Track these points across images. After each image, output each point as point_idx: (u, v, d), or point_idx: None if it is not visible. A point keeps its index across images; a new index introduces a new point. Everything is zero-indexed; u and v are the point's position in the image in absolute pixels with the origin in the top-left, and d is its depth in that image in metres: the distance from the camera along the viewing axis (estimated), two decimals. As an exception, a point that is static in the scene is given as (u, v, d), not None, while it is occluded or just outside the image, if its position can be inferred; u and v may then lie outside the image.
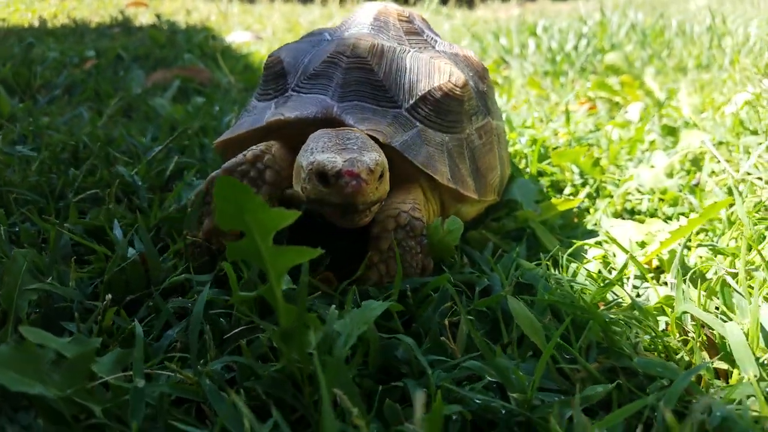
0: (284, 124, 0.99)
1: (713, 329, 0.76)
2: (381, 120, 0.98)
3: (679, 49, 2.97)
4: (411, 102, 1.02)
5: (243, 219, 0.53)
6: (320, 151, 0.83)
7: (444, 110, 1.04)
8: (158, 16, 3.91)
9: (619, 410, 0.60)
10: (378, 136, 0.94)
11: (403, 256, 0.89)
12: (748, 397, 0.68)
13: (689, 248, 1.12)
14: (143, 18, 4.67)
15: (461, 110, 1.07)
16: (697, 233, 1.20)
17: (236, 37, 3.91)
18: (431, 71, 1.04)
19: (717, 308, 0.85)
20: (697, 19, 3.67)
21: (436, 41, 1.17)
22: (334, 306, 0.67)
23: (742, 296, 0.76)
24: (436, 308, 0.82)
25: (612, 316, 0.79)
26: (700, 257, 1.08)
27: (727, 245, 1.07)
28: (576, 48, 2.87)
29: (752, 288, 0.86)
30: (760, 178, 1.38)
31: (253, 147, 0.97)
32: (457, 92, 1.05)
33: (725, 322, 0.78)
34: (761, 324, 0.75)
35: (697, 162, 1.46)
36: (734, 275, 0.88)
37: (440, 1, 7.00)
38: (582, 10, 3.18)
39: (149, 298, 0.84)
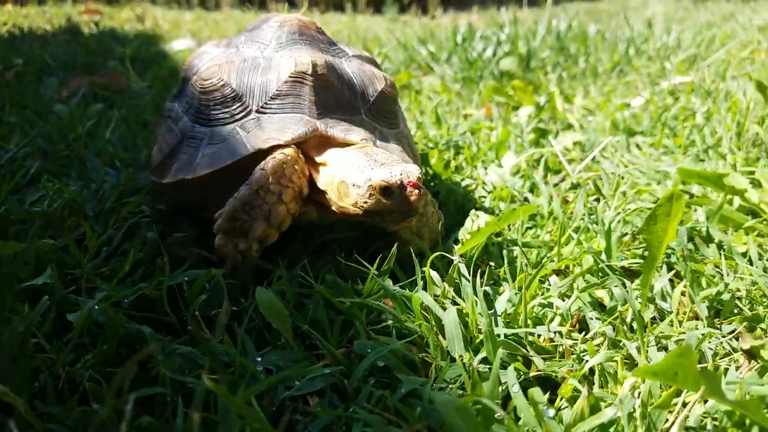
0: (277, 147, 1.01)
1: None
2: (358, 128, 1.07)
3: (597, 54, 3.05)
4: (366, 107, 1.12)
5: None
6: (370, 169, 0.91)
7: (388, 110, 1.17)
8: (96, 24, 3.93)
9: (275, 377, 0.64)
10: (368, 143, 1.04)
11: (430, 220, 1.06)
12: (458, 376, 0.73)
13: (516, 243, 1.17)
14: (94, 27, 4.70)
15: (396, 108, 1.21)
16: (531, 227, 1.25)
17: (177, 45, 3.94)
18: (371, 78, 1.15)
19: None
20: (629, 25, 3.74)
21: (340, 46, 1.25)
22: (47, 297, 0.71)
23: (468, 282, 0.80)
24: (203, 301, 0.86)
25: (355, 303, 0.83)
26: (524, 250, 1.13)
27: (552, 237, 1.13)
28: (495, 54, 2.93)
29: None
30: (603, 172, 1.44)
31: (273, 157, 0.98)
32: (394, 93, 1.18)
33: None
34: (493, 308, 0.80)
35: (541, 161, 1.51)
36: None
37: (399, 9, 7.09)
38: (515, 16, 3.25)
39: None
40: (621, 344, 0.78)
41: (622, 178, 1.51)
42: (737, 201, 1.30)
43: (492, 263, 1.03)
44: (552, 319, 0.87)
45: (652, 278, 0.88)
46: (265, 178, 0.95)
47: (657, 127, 1.79)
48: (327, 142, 1.04)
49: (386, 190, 0.89)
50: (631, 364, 0.77)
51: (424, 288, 0.89)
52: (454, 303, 0.82)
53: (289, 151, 0.99)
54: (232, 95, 1.07)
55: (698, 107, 1.99)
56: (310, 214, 1.05)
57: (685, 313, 0.93)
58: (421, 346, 0.81)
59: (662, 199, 0.83)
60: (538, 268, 0.87)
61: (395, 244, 0.95)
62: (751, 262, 1.05)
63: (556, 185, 1.52)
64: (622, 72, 2.84)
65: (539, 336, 0.84)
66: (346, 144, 1.04)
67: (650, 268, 0.87)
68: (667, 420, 0.63)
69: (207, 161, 1.04)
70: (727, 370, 0.73)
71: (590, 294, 0.93)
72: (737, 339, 0.81)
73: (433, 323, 0.80)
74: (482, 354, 0.72)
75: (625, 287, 0.94)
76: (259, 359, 0.76)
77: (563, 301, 0.88)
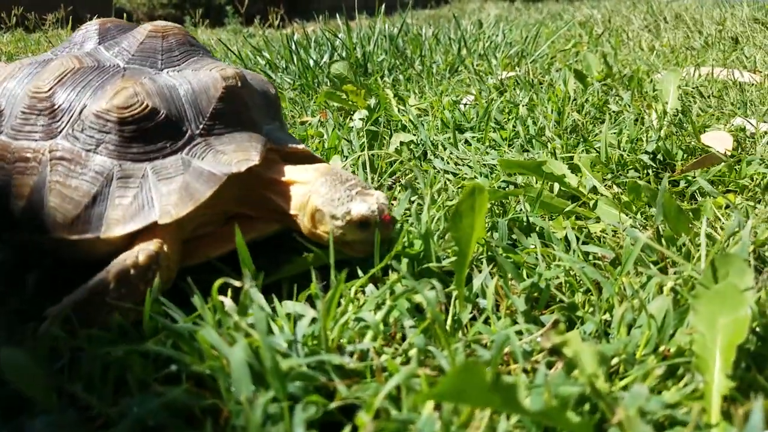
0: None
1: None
2: (286, 136, 1.08)
3: (433, 56, 3.09)
4: (273, 114, 1.11)
5: None
6: (348, 200, 0.92)
7: (282, 114, 1.19)
8: None
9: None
10: (307, 151, 1.07)
11: None
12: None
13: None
14: None
15: None
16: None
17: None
18: (264, 82, 1.13)
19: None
20: (459, 27, 3.86)
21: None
22: None
23: (260, 309, 0.71)
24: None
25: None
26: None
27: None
28: (331, 59, 2.88)
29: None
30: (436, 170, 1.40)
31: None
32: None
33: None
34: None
35: (370, 164, 1.46)
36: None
37: (242, 21, 6.91)
38: (347, 25, 3.21)
39: None
40: (431, 354, 0.72)
41: (454, 175, 1.49)
42: (558, 187, 1.31)
43: (307, 280, 0.94)
44: (364, 335, 0.79)
45: (464, 276, 0.83)
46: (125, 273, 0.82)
47: (484, 122, 1.80)
48: (270, 155, 1.02)
49: (364, 224, 0.91)
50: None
51: (219, 320, 0.77)
52: (248, 335, 0.71)
53: (156, 246, 0.85)
54: (164, 121, 0.94)
55: (521, 99, 2.04)
56: (270, 227, 1.03)
57: (507, 308, 0.89)
58: (216, 389, 0.69)
59: (464, 194, 0.78)
60: (339, 281, 0.78)
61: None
62: (569, 248, 1.05)
63: (389, 188, 1.48)
64: (457, 71, 2.89)
65: (352, 355, 0.76)
66: (291, 154, 1.05)
67: (462, 266, 0.83)
68: (473, 437, 0.57)
69: (181, 198, 0.89)
70: (535, 371, 0.68)
71: (409, 299, 0.86)
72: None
73: (224, 362, 0.69)
74: (272, 392, 0.62)
75: (445, 288, 0.89)
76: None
77: (377, 312, 0.80)
